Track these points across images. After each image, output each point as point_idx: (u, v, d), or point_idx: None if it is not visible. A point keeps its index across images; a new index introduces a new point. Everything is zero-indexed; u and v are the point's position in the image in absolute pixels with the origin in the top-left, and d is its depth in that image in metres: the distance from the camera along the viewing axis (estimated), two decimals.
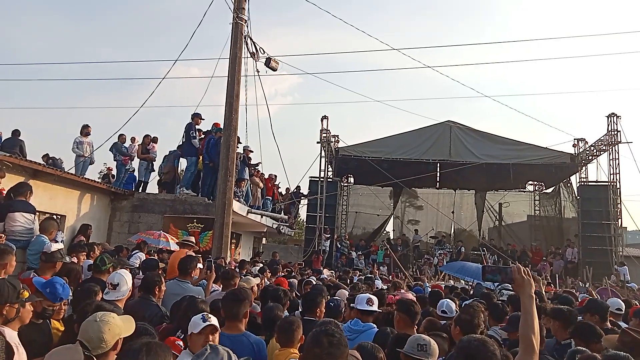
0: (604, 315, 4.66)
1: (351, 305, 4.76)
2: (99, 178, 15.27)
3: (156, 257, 7.89)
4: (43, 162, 10.56)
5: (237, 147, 10.42)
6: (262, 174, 16.14)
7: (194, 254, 6.48)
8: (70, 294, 3.67)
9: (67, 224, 9.87)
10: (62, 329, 3.44)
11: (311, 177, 20.34)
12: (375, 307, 4.41)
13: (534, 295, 2.30)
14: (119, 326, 2.45)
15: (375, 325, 4.25)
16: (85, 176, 11.15)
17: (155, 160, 13.37)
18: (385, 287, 8.85)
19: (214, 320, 2.91)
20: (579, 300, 7.27)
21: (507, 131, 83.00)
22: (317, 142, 20.08)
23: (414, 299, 6.24)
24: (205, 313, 3.00)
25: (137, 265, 7.28)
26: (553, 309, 4.54)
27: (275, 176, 18.17)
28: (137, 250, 8.07)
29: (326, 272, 12.62)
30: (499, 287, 9.89)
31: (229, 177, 9.21)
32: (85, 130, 12.13)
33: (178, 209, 11.71)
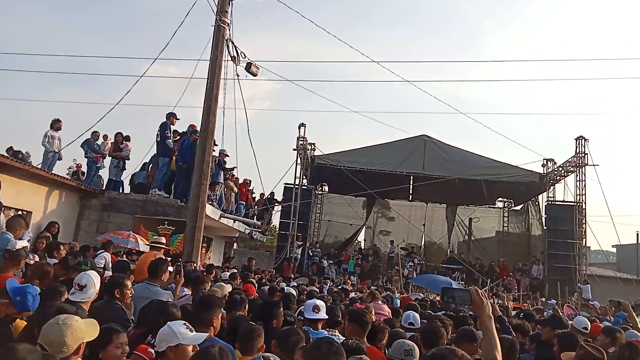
0: (564, 329, 4.77)
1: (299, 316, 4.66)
2: (67, 174, 14.89)
3: (125, 259, 7.73)
4: (7, 155, 10.25)
5: (213, 150, 10.33)
6: (236, 178, 16.04)
7: (163, 256, 6.37)
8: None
9: (33, 220, 9.59)
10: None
11: (286, 183, 20.32)
12: (322, 315, 4.33)
13: (492, 316, 2.35)
14: (82, 330, 2.39)
15: (325, 332, 4.23)
16: (53, 172, 10.86)
17: (128, 159, 13.14)
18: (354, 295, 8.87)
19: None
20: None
21: (482, 148, 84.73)
22: (294, 149, 20.08)
23: (388, 310, 6.28)
24: (186, 322, 2.90)
25: (102, 265, 7.12)
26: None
27: (250, 181, 18.09)
28: (102, 250, 7.89)
29: (300, 280, 12.56)
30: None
31: (203, 180, 9.11)
32: (56, 125, 11.82)
33: (149, 210, 11.51)
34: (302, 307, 4.71)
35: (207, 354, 2.35)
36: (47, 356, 2.22)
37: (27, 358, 1.99)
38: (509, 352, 3.50)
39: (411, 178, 21.48)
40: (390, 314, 6.48)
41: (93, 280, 3.80)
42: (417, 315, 5.38)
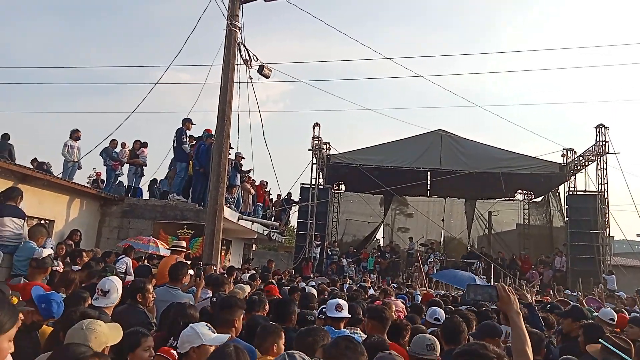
0: (585, 321, 4.70)
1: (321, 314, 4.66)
2: (88, 183, 15.17)
3: (147, 263, 7.84)
4: (32, 167, 10.49)
5: (229, 154, 10.40)
6: (253, 180, 16.12)
7: (184, 260, 6.44)
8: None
9: (56, 229, 9.78)
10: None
11: (302, 184, 20.36)
12: (344, 314, 4.34)
13: (520, 312, 2.33)
14: (106, 334, 2.43)
15: (347, 331, 4.23)
16: (74, 181, 11.07)
17: (145, 165, 13.32)
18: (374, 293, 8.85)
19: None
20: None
21: (498, 141, 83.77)
22: (309, 149, 20.11)
23: (402, 307, 6.27)
24: (207, 324, 2.94)
25: (124, 270, 7.25)
26: None
27: (267, 183, 18.16)
28: (123, 255, 8.01)
29: (320, 280, 12.58)
30: None
31: (220, 183, 9.18)
32: (75, 135, 12.06)
33: (168, 215, 11.64)
34: (324, 306, 4.71)
35: (223, 353, 2.38)
36: (97, 354, 2.33)
37: (80, 355, 2.16)
38: (536, 347, 3.46)
39: (428, 173, 21.32)
40: (405, 310, 6.47)
41: (115, 286, 3.87)
42: (442, 311, 5.37)
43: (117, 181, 13.04)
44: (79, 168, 12.31)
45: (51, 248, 6.28)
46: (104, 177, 14.05)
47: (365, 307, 5.16)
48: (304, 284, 10.03)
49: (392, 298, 7.42)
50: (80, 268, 6.01)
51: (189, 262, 6.34)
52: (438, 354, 3.33)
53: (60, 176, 11.00)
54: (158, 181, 13.98)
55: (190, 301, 4.91)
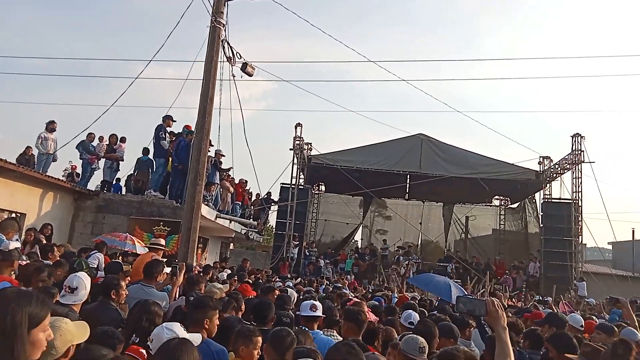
0: (562, 327, 4.77)
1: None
2: (63, 176, 14.85)
3: (120, 260, 7.69)
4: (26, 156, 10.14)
5: (209, 151, 10.30)
6: (232, 178, 16.00)
7: (160, 258, 6.34)
8: None
9: (27, 222, 9.56)
10: None
11: (282, 183, 20.31)
12: (318, 313, 4.38)
13: (506, 327, 2.41)
14: (72, 332, 2.36)
15: (321, 332, 4.26)
16: (48, 174, 10.82)
17: (122, 160, 13.10)
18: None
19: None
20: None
21: (482, 145, 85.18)
22: (290, 149, 20.08)
23: (368, 309, 6.30)
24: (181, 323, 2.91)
25: (96, 266, 7.10)
26: None
27: (246, 181, 18.05)
28: (95, 251, 7.86)
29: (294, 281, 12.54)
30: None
31: (198, 180, 9.07)
32: (50, 126, 11.79)
33: (145, 211, 11.47)
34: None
35: (166, 346, 2.33)
36: (117, 357, 2.37)
37: (101, 357, 2.25)
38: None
39: (408, 177, 21.49)
40: (371, 312, 6.49)
41: (84, 282, 3.77)
42: (417, 315, 5.39)
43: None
44: (54, 160, 12.04)
45: (17, 240, 6.12)
46: (79, 170, 13.76)
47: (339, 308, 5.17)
48: (280, 284, 10.00)
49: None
50: (51, 264, 5.87)
51: (164, 260, 6.24)
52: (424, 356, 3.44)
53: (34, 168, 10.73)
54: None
55: (165, 300, 4.83)
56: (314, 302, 4.54)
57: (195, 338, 2.84)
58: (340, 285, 11.65)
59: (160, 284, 5.27)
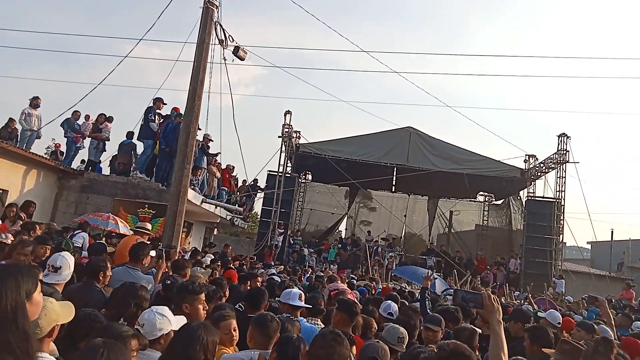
0: (527, 322, 4.85)
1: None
2: (45, 154, 14.58)
3: (104, 242, 7.61)
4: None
5: (197, 134, 10.18)
6: (219, 163, 15.88)
7: (146, 241, 6.27)
8: None
9: (9, 199, 9.38)
10: None
11: (269, 171, 20.23)
12: (303, 303, 4.47)
13: (501, 321, 2.44)
14: (57, 312, 2.32)
15: (305, 320, 4.32)
16: (31, 151, 10.61)
17: (108, 140, 12.89)
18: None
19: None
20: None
21: (470, 140, 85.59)
22: (279, 137, 19.96)
23: (352, 294, 6.35)
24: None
25: (80, 245, 7.01)
26: None
27: (233, 167, 17.92)
28: (80, 230, 7.76)
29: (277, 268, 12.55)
30: (444, 293, 10.18)
31: (186, 164, 8.98)
32: (34, 102, 11.53)
33: (130, 192, 11.34)
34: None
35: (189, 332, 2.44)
36: (136, 335, 2.42)
37: (123, 334, 2.34)
38: (468, 341, 3.61)
39: (395, 169, 21.56)
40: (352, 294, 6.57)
41: (68, 262, 3.71)
42: (396, 306, 5.42)
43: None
44: (38, 137, 11.80)
45: None
46: (63, 149, 13.51)
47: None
48: (262, 271, 10.00)
49: (339, 283, 7.46)
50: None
51: (149, 243, 6.18)
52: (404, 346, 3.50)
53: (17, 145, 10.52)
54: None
55: (150, 283, 4.79)
56: (301, 292, 4.56)
57: (181, 320, 2.84)
58: (323, 275, 11.67)
59: (145, 267, 5.23)
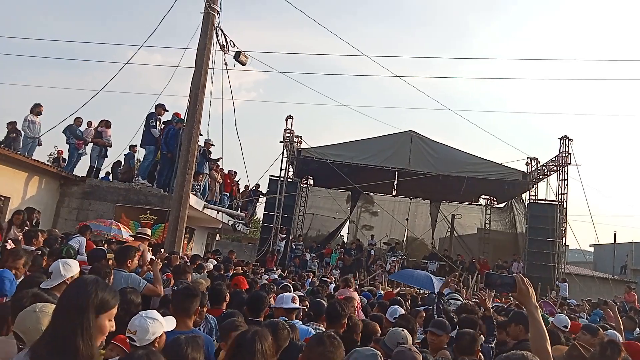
0: (527, 325, 4.81)
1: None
2: (48, 161, 14.60)
3: (104, 248, 7.59)
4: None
5: (198, 140, 10.20)
6: (221, 169, 15.89)
7: (146, 247, 6.26)
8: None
9: (11, 206, 9.39)
10: None
11: (271, 176, 20.21)
12: (297, 305, 4.57)
13: (538, 306, 2.26)
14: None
15: (300, 322, 4.39)
16: (33, 157, 10.62)
17: (110, 146, 12.91)
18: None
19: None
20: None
21: (471, 144, 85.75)
22: (280, 142, 19.97)
23: (358, 300, 6.35)
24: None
25: (76, 249, 6.97)
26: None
27: (235, 172, 17.93)
28: (77, 234, 7.73)
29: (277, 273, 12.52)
30: (448, 297, 10.12)
31: (187, 169, 8.99)
32: (37, 109, 11.55)
33: (132, 198, 11.34)
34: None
35: (176, 342, 2.42)
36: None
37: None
38: (469, 346, 3.65)
39: (396, 173, 21.53)
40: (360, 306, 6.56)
41: (71, 267, 3.70)
42: (402, 310, 5.41)
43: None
44: (39, 144, 11.81)
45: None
46: (66, 155, 13.52)
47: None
48: (266, 276, 9.97)
49: (351, 290, 7.44)
50: (34, 249, 5.76)
51: (150, 249, 6.17)
52: None
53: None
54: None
55: (140, 280, 4.77)
56: (295, 295, 4.67)
57: (172, 321, 2.85)
58: (328, 280, 11.64)
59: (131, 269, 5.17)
